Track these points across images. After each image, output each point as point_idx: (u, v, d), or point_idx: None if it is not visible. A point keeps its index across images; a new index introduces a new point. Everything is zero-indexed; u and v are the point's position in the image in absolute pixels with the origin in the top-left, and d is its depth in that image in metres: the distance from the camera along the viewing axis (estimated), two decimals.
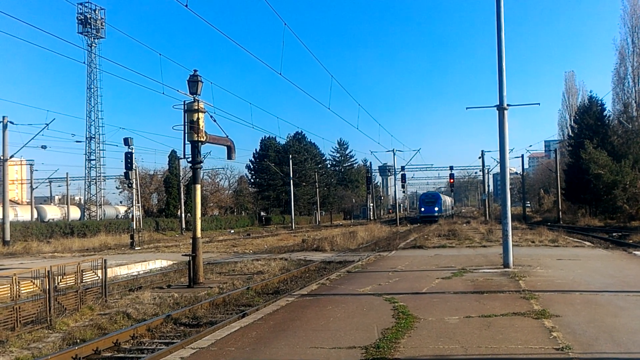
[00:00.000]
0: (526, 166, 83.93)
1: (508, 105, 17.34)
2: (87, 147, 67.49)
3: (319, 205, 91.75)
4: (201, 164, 19.83)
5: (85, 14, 64.52)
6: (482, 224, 49.41)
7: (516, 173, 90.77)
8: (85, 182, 70.24)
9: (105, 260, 15.42)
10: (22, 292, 12.65)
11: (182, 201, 62.67)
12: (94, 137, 67.42)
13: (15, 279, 11.95)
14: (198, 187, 19.76)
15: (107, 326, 12.08)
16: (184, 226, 60.42)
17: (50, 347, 10.47)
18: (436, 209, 73.58)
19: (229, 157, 21.28)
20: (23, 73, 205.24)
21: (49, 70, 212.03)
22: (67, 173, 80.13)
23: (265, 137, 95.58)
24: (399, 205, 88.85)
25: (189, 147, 19.20)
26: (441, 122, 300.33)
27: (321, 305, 11.74)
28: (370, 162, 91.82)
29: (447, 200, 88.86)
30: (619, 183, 50.80)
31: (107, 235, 49.67)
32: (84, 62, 66.72)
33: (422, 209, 76.10)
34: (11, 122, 40.71)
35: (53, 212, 75.33)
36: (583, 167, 55.83)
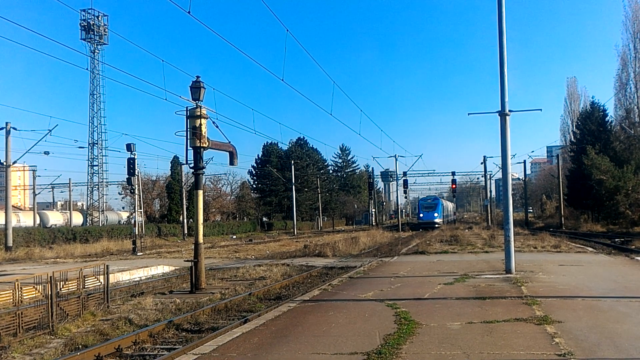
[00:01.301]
0: (528, 172, 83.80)
1: (510, 111, 17.35)
2: (90, 153, 67.60)
3: (321, 211, 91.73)
4: (203, 170, 19.87)
5: (88, 20, 64.73)
6: (484, 230, 49.39)
7: (518, 179, 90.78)
8: (87, 187, 70.27)
9: (107, 265, 15.43)
10: (25, 297, 12.68)
11: (185, 207, 62.72)
12: (97, 143, 67.52)
13: (18, 284, 11.97)
14: (200, 192, 19.80)
15: (109, 332, 12.08)
16: (186, 232, 60.46)
17: (52, 352, 10.48)
18: (436, 214, 69.52)
19: (231, 162, 21.33)
20: (26, 79, 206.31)
21: (52, 76, 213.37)
22: (69, 179, 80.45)
23: (267, 142, 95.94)
24: (401, 211, 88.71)
25: (191, 153, 19.25)
26: (443, 128, 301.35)
27: (323, 311, 11.74)
28: (372, 168, 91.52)
29: (449, 205, 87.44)
30: (621, 189, 50.71)
31: (109, 241, 49.71)
32: (87, 69, 66.62)
33: (421, 215, 71.83)
34: (14, 128, 40.92)
35: (55, 218, 75.43)
36: (585, 173, 55.78)
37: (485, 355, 7.55)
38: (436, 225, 65.52)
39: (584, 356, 7.33)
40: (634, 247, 29.95)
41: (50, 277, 12.57)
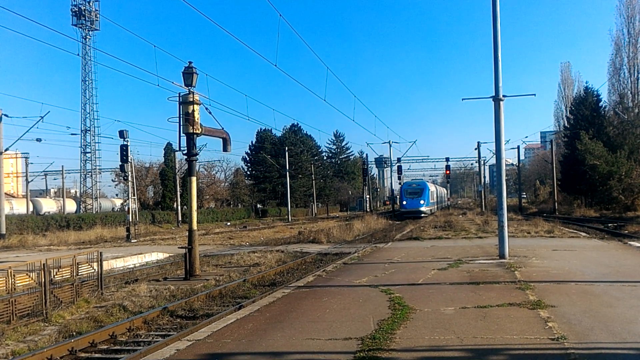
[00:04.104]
0: (522, 157, 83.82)
1: (504, 96, 17.31)
2: (83, 140, 67.25)
3: (315, 197, 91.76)
4: (197, 156, 19.78)
5: (80, 5, 64.08)
6: (478, 215, 49.52)
7: (512, 164, 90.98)
8: (80, 174, 70.00)
9: (101, 253, 15.41)
10: (18, 285, 12.66)
11: (178, 194, 62.61)
12: (89, 130, 67.14)
13: (11, 272, 11.93)
14: (194, 179, 19.74)
15: (103, 319, 12.08)
16: (180, 219, 60.38)
17: (46, 340, 10.46)
18: (422, 201, 60.19)
19: (225, 149, 21.23)
20: (17, 65, 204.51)
21: (44, 62, 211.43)
22: (62, 166, 79.97)
23: (261, 129, 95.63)
24: (395, 197, 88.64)
25: (184, 139, 19.15)
26: (437, 114, 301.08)
27: (317, 296, 11.75)
28: (367, 154, 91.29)
29: (440, 191, 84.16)
30: (615, 174, 50.94)
31: (103, 228, 49.59)
32: (79, 54, 66.27)
33: (404, 202, 61.61)
34: (6, 115, 40.58)
35: (49, 205, 75.18)
36: (579, 158, 55.95)
37: (478, 339, 7.58)
38: (422, 215, 57.87)
39: (577, 340, 7.36)
40: (627, 231, 30.13)
41: (44, 264, 12.53)
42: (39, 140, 52.10)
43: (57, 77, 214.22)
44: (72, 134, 61.35)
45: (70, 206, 75.92)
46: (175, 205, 64.78)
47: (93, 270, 14.82)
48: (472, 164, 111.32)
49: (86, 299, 13.82)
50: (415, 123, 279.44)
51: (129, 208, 42.26)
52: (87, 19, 64.57)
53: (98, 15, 65.16)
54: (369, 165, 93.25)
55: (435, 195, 70.60)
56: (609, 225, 36.78)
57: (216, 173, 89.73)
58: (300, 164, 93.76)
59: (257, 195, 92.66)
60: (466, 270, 14.81)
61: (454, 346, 7.33)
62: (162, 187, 73.51)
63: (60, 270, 13.41)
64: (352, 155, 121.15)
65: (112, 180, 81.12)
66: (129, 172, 43.43)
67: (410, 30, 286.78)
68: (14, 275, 11.99)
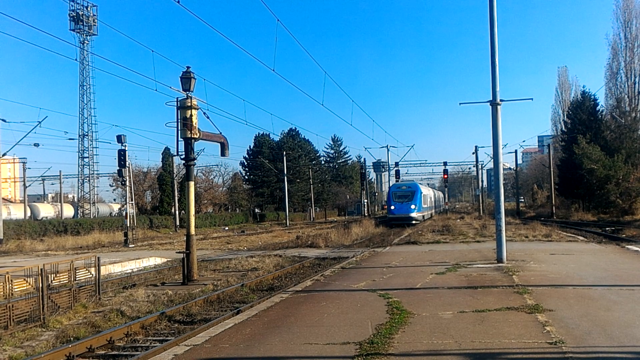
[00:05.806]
0: (520, 161, 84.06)
1: (501, 100, 17.35)
2: (80, 145, 67.11)
3: (313, 202, 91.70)
4: (194, 161, 19.82)
5: (77, 10, 64.06)
6: (476, 219, 49.54)
7: (510, 168, 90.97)
8: (78, 179, 69.87)
9: (98, 258, 15.38)
10: (15, 290, 12.62)
11: (176, 198, 62.53)
12: (87, 135, 67.03)
13: (8, 277, 11.90)
14: (191, 184, 19.74)
15: (100, 324, 12.05)
16: (177, 223, 60.32)
17: (43, 345, 10.44)
18: (413, 206, 52.27)
19: (223, 153, 21.27)
20: (15, 70, 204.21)
21: (41, 67, 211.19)
22: (60, 171, 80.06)
23: (259, 133, 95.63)
24: None
25: (182, 144, 19.19)
26: (435, 119, 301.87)
27: (315, 301, 11.74)
28: (365, 158, 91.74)
29: (435, 194, 79.74)
30: (612, 178, 51.02)
31: (100, 233, 49.54)
32: (76, 59, 66.01)
33: (392, 207, 53.60)
34: (3, 120, 40.69)
35: (46, 210, 74.98)
36: (576, 162, 56.02)
37: (477, 344, 7.58)
38: (413, 222, 51.11)
39: (575, 344, 7.36)
40: (624, 235, 30.17)
41: (41, 269, 12.51)
42: (36, 145, 52.31)
43: (55, 82, 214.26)
44: (69, 139, 61.43)
45: (68, 211, 75.75)
46: (173, 210, 64.68)
47: (91, 275, 14.79)
48: (469, 168, 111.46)
49: (84, 304, 13.79)
50: (413, 127, 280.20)
51: (126, 213, 42.27)
52: (85, 24, 64.54)
53: (96, 20, 65.14)
54: (367, 170, 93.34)
55: (429, 199, 64.42)
56: (607, 229, 36.81)
57: (214, 178, 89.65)
58: (298, 169, 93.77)
59: (255, 200, 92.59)
60: (464, 274, 14.81)
61: (452, 350, 7.33)
62: (160, 191, 73.37)
63: (57, 275, 13.38)
64: (350, 159, 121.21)
65: (110, 185, 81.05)
66: (127, 177, 43.43)
67: (408, 34, 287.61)
68: (11, 281, 11.96)
